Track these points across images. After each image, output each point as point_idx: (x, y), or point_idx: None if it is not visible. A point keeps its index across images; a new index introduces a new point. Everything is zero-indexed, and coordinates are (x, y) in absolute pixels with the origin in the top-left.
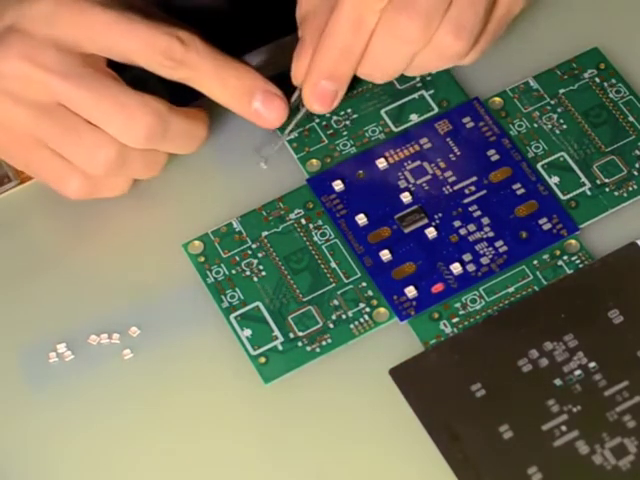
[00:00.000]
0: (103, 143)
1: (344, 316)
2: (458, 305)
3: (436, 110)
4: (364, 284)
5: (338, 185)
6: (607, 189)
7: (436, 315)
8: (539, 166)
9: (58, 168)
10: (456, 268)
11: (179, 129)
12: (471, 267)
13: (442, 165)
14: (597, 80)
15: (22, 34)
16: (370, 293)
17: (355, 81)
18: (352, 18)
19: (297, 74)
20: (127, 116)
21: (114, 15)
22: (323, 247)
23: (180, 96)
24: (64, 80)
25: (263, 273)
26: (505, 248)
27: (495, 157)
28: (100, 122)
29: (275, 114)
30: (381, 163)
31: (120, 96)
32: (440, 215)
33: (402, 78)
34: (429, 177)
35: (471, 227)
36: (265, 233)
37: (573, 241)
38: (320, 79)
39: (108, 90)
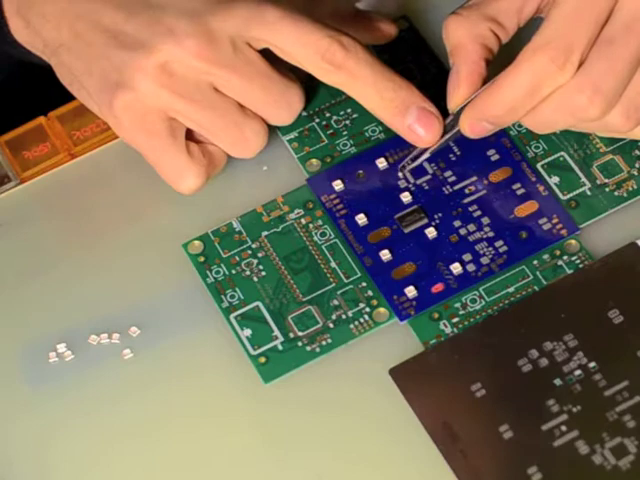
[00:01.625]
0: (262, 132)
1: (344, 316)
2: (458, 305)
3: None
4: (364, 284)
5: (338, 185)
6: (607, 189)
7: (436, 315)
8: (539, 166)
9: (182, 163)
10: (456, 268)
11: None
12: (471, 267)
13: (442, 165)
14: None
15: (196, 23)
16: (370, 293)
17: None
18: (530, 82)
19: (453, 104)
20: (285, 107)
21: (280, 12)
22: (323, 247)
23: None
24: (232, 74)
25: (263, 273)
26: (505, 248)
27: (495, 157)
28: (261, 112)
29: (429, 133)
30: (381, 163)
31: (278, 89)
32: (440, 215)
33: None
34: (429, 177)
35: (471, 227)
36: (265, 233)
37: (573, 241)
38: (482, 120)
39: (269, 84)
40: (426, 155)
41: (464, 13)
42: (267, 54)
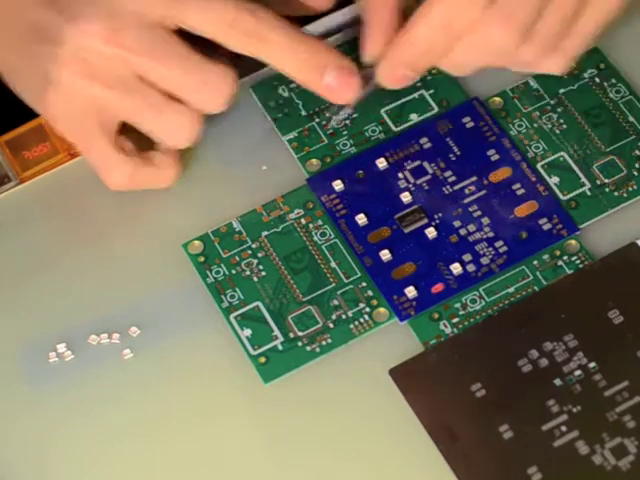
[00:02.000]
0: (187, 119)
1: (344, 316)
2: (458, 305)
3: (436, 110)
4: (364, 284)
5: (338, 185)
6: (607, 189)
7: (436, 315)
8: (539, 166)
9: (109, 156)
10: (456, 268)
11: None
12: (471, 267)
13: (442, 165)
14: (597, 80)
15: (101, 7)
16: (370, 293)
17: None
18: (442, 22)
19: (370, 53)
20: (212, 91)
21: None
22: (323, 247)
23: None
24: (146, 57)
25: (263, 273)
26: (505, 248)
27: (495, 157)
28: (185, 97)
29: (348, 91)
30: (381, 163)
31: (201, 71)
32: (440, 215)
33: None
34: (429, 177)
35: (471, 227)
36: (265, 233)
37: (573, 241)
38: (400, 67)
39: (191, 66)
40: (348, 110)
41: None
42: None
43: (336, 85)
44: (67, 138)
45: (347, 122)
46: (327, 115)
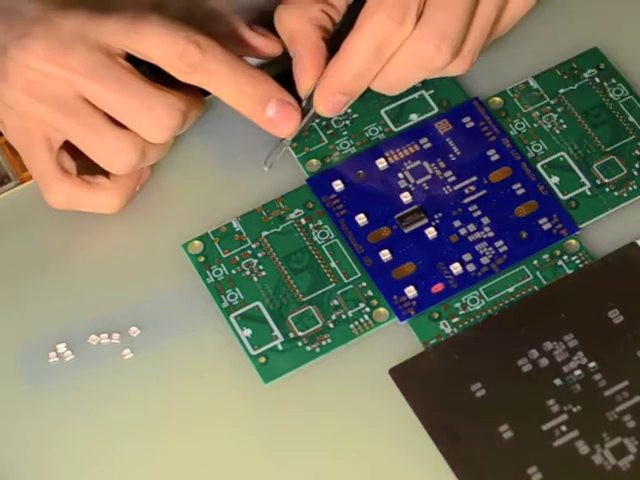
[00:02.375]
0: (127, 145)
1: (344, 316)
2: (458, 305)
3: (436, 110)
4: (364, 284)
5: (338, 185)
6: (607, 189)
7: (436, 315)
8: (539, 166)
9: (48, 172)
10: (456, 268)
11: (193, 119)
12: (471, 267)
13: (442, 165)
14: (597, 80)
15: (48, 27)
16: (370, 293)
17: None
18: (373, 43)
19: (304, 88)
20: (154, 119)
21: (135, 15)
22: (323, 247)
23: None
24: (89, 80)
25: (263, 273)
26: (505, 248)
27: (495, 157)
28: (126, 122)
29: (288, 123)
30: (381, 163)
31: (146, 97)
32: (440, 215)
33: None
34: (429, 177)
35: (471, 227)
36: (265, 233)
37: (573, 241)
38: (335, 93)
39: (134, 91)
40: (287, 143)
41: (292, 1)
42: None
43: (278, 118)
44: (15, 148)
45: (347, 122)
46: (268, 156)
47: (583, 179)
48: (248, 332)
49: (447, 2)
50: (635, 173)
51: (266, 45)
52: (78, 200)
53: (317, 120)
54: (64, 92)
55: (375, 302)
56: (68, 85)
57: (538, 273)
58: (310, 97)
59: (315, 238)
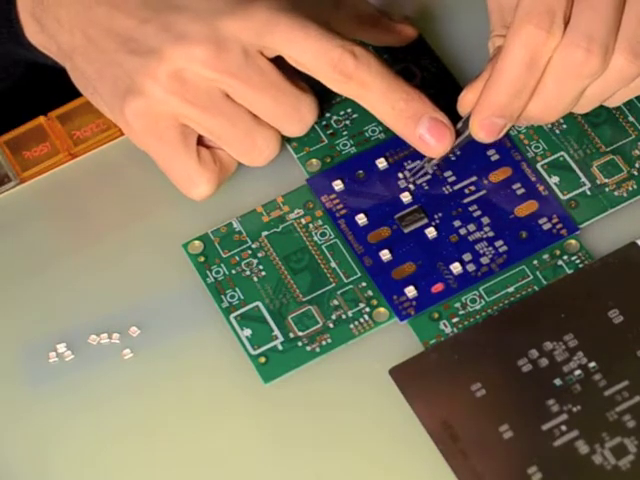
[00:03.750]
0: (274, 142)
1: (344, 316)
2: (458, 305)
3: None
4: (364, 284)
5: (338, 185)
6: (607, 189)
7: (436, 315)
8: (539, 166)
9: (193, 170)
10: (456, 268)
11: None
12: (471, 267)
13: (442, 165)
14: None
15: (209, 28)
16: (370, 293)
17: None
18: (524, 57)
19: (465, 104)
20: (301, 119)
21: (293, 21)
22: (323, 247)
23: None
24: (244, 83)
25: (263, 273)
26: (505, 248)
27: (495, 157)
28: (273, 123)
29: (440, 143)
30: (381, 163)
31: (294, 99)
32: (440, 215)
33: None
34: (429, 177)
35: (471, 227)
36: (265, 233)
37: (573, 241)
38: (491, 115)
39: (284, 96)
40: (434, 162)
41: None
42: (282, 60)
43: (429, 137)
44: (143, 149)
45: (347, 122)
46: (416, 169)
47: (583, 179)
48: (248, 332)
49: (590, 3)
50: (635, 173)
51: (403, 30)
52: (221, 182)
53: (317, 120)
54: (213, 92)
55: (375, 302)
56: (218, 85)
57: (538, 273)
58: (467, 119)
59: (315, 238)
